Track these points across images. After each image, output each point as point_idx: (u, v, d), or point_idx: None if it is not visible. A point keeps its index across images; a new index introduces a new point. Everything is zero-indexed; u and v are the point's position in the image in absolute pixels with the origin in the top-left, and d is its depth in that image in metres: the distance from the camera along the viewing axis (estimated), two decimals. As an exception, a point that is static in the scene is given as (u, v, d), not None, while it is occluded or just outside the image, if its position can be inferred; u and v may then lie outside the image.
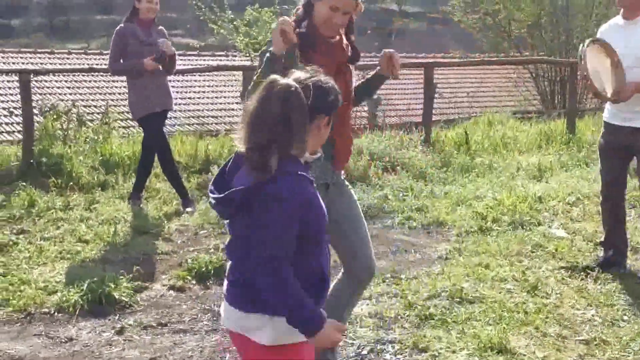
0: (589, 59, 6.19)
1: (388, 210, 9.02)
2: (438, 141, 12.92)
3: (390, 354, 5.28)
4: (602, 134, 6.84)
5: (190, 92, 25.49)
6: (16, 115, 18.01)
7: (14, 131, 20.46)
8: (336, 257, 4.58)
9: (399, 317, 5.84)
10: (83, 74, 23.02)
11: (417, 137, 12.62)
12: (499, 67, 28.11)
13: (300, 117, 3.12)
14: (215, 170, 9.00)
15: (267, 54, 4.17)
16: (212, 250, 7.57)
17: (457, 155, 12.13)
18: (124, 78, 9.52)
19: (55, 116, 11.48)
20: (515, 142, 13.47)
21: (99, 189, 9.86)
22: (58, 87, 23.99)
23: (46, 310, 6.14)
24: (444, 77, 28.43)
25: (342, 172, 4.75)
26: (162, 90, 9.08)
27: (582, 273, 6.74)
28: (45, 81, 23.39)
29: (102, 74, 20.30)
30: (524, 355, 5.18)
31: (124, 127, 15.84)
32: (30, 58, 26.43)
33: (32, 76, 11.93)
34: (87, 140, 11.29)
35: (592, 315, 5.89)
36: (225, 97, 26.17)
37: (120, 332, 5.80)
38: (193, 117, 23.96)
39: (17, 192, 9.30)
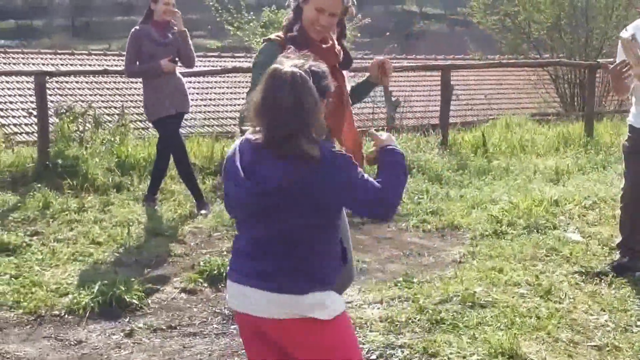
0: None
1: (403, 213, 8.98)
2: (455, 144, 12.88)
3: (399, 359, 5.24)
4: (627, 137, 6.77)
5: (210, 93, 25.53)
6: (34, 116, 18.06)
7: (33, 132, 20.52)
8: None
9: (410, 321, 5.78)
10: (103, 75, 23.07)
11: (434, 139, 12.57)
12: (518, 69, 27.94)
13: (312, 99, 3.23)
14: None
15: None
16: (224, 252, 7.55)
17: (474, 158, 12.07)
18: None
19: (71, 118, 11.49)
20: (533, 144, 13.37)
21: (114, 190, 9.85)
22: (79, 89, 24.06)
23: (57, 312, 6.14)
24: (463, 79, 28.32)
25: None
26: (178, 92, 9.09)
27: (596, 277, 6.68)
28: (66, 82, 23.49)
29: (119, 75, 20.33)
30: (535, 361, 5.14)
31: (143, 129, 15.85)
32: (51, 59, 26.49)
33: (47, 78, 11.96)
34: (104, 141, 11.30)
35: (605, 321, 5.83)
36: (243, 98, 26.07)
37: (129, 334, 5.79)
38: (213, 119, 23.96)
39: (32, 193, 9.32)
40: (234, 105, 25.33)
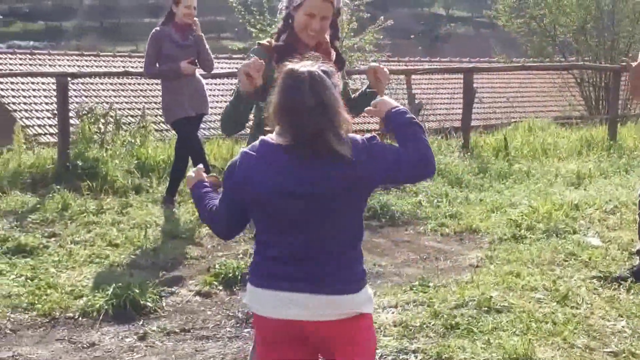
0: None
1: (421, 217, 8.94)
2: (476, 147, 12.81)
3: (412, 364, 5.21)
4: None
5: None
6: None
7: (56, 133, 20.62)
8: None
9: (424, 326, 5.73)
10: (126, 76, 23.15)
11: (456, 142, 12.51)
12: (543, 72, 27.79)
13: (333, 96, 3.23)
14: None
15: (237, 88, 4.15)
16: (240, 255, 7.53)
17: (495, 161, 12.00)
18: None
19: (92, 119, 11.52)
20: (555, 148, 13.26)
21: (133, 192, 9.86)
22: (103, 90, 24.17)
23: (70, 314, 6.14)
24: (488, 82, 28.22)
25: None
26: (197, 93, 9.10)
27: (614, 283, 6.60)
28: (90, 84, 23.59)
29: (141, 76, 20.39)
30: (549, 367, 5.08)
31: (164, 130, 15.89)
32: (77, 60, 26.65)
33: (70, 79, 12.02)
34: (124, 143, 11.32)
35: (622, 327, 5.75)
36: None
37: (142, 337, 5.78)
38: (234, 121, 23.96)
39: (51, 195, 9.34)
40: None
